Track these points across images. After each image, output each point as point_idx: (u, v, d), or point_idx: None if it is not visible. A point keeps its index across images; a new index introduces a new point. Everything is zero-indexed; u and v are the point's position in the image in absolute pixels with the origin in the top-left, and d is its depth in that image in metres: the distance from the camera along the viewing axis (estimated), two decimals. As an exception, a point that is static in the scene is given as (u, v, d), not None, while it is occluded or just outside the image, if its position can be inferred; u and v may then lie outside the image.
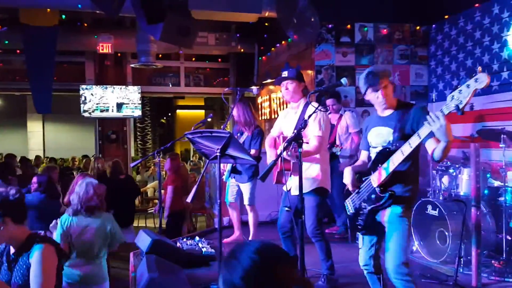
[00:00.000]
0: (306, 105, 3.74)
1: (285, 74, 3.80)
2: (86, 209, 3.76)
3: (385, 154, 2.78)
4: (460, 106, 2.31)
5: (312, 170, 3.70)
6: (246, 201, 5.07)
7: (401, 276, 2.70)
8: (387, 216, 2.81)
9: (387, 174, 2.72)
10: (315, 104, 3.48)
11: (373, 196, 2.83)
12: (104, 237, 3.85)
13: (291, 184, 3.69)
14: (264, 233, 5.51)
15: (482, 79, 2.25)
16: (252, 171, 4.96)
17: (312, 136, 3.62)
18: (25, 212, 2.45)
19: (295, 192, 3.61)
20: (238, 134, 5.01)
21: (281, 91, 3.97)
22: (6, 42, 8.54)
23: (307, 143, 3.57)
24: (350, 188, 2.99)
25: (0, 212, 2.32)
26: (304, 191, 3.53)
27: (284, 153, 3.17)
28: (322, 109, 3.49)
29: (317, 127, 3.61)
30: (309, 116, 3.07)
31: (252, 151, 4.86)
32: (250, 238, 5.13)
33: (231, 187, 5.20)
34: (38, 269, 2.28)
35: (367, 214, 2.84)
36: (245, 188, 5.03)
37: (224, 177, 5.12)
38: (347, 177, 2.96)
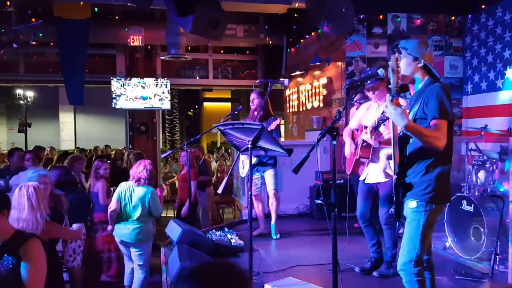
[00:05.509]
0: None
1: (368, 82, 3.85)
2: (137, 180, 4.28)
3: (401, 140, 2.55)
4: (392, 90, 2.40)
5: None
6: (271, 186, 5.10)
7: (406, 273, 2.60)
8: (405, 209, 2.66)
9: (395, 165, 2.53)
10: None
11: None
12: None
13: (367, 172, 3.77)
14: (293, 225, 5.51)
15: (391, 60, 2.40)
16: (274, 159, 5.07)
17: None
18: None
19: (371, 180, 3.74)
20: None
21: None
22: (40, 34, 8.74)
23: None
24: None
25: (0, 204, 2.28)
26: (380, 181, 3.68)
27: (368, 137, 3.16)
28: (360, 102, 3.45)
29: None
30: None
31: None
32: (272, 223, 5.17)
33: (253, 180, 5.17)
34: (31, 263, 2.26)
35: (395, 204, 2.63)
36: (269, 174, 5.09)
37: (243, 174, 5.17)
38: (380, 162, 2.85)
